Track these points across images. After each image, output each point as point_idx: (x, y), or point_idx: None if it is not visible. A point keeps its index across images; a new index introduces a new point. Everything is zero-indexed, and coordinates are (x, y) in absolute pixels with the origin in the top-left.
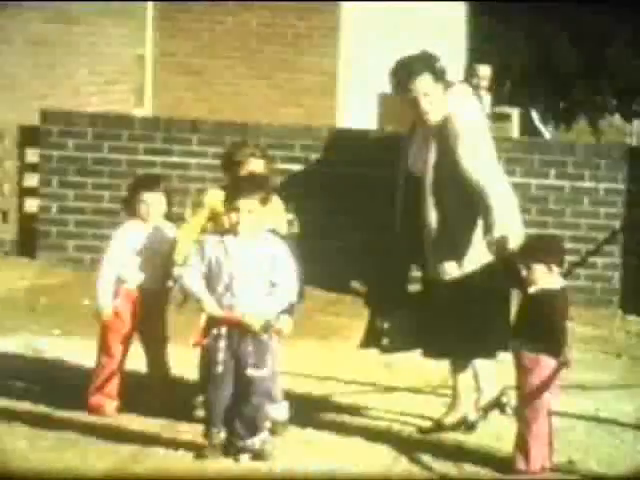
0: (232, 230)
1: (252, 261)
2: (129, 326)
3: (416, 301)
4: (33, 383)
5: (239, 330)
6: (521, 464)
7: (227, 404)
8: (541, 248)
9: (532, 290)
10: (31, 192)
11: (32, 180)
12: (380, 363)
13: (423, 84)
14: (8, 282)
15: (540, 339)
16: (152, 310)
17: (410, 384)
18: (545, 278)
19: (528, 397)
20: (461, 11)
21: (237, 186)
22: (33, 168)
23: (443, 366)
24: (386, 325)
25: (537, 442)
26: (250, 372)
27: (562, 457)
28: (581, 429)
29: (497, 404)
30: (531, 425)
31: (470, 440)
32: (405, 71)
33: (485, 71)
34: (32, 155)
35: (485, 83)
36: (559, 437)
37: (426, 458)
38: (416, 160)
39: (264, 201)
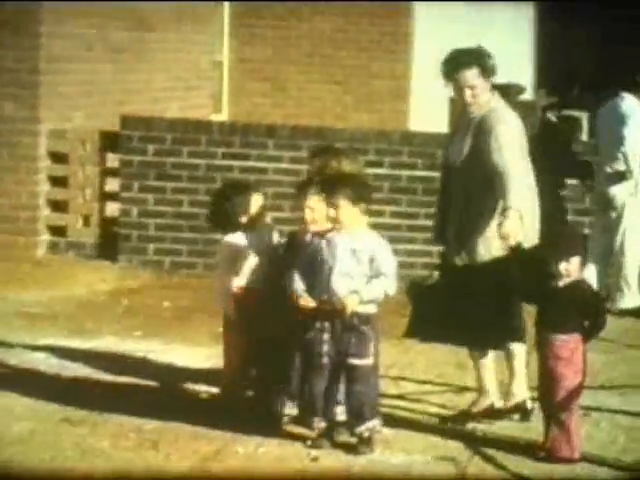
0: (332, 226)
1: (351, 256)
2: (246, 326)
3: (442, 289)
4: (115, 384)
5: (340, 321)
6: (567, 452)
7: (327, 395)
8: (579, 241)
9: (562, 283)
10: (112, 196)
11: (113, 185)
12: (452, 363)
13: (469, 77)
14: (90, 285)
15: (576, 327)
16: (258, 309)
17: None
18: (580, 269)
19: (570, 386)
20: (529, 15)
21: (333, 184)
22: (114, 173)
23: None
24: (417, 314)
25: (578, 430)
26: (352, 361)
27: (634, 457)
28: None
29: (522, 410)
30: (573, 414)
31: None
32: (454, 62)
33: None
34: (112, 160)
35: None
36: (631, 437)
37: (500, 456)
38: (453, 148)
39: (356, 200)
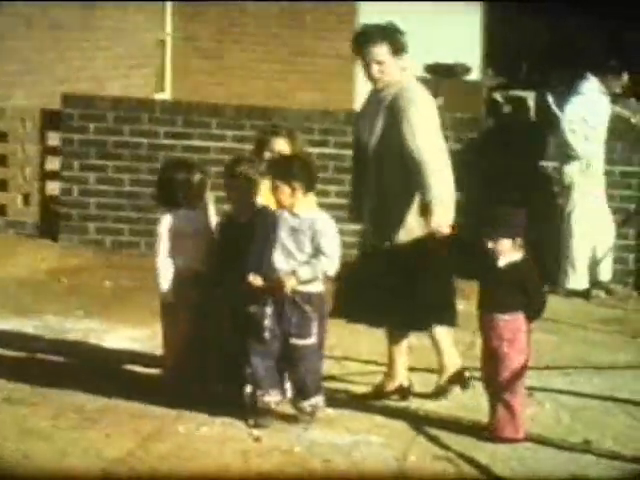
0: (278, 206)
1: (291, 235)
2: (185, 308)
3: (360, 270)
4: (55, 364)
5: (282, 299)
6: (511, 432)
7: (276, 369)
8: (508, 222)
9: (502, 263)
10: (52, 175)
11: (53, 163)
12: None
13: (378, 52)
14: (30, 264)
15: (518, 307)
16: (198, 290)
17: (427, 364)
18: (512, 250)
19: (514, 366)
20: None
21: (269, 166)
22: (54, 151)
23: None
24: (341, 294)
25: (522, 410)
26: (294, 341)
27: (578, 437)
28: (597, 409)
29: (460, 379)
30: (517, 394)
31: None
32: (364, 37)
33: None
34: (53, 139)
35: (619, 89)
36: (575, 417)
37: (444, 435)
38: (365, 128)
39: (289, 180)
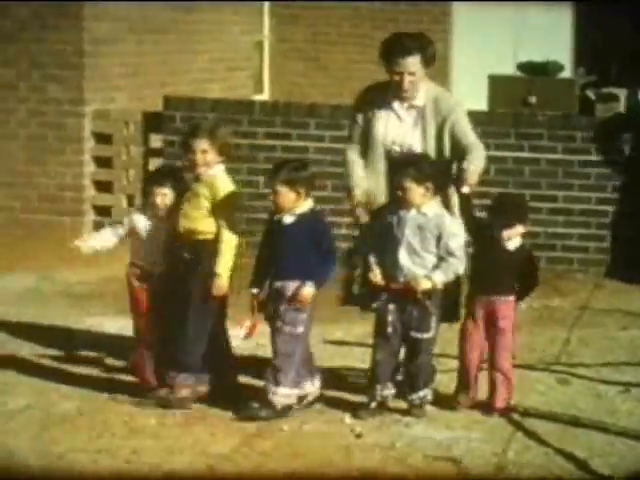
0: (403, 203)
1: (418, 233)
2: (146, 306)
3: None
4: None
5: (405, 296)
6: (500, 403)
7: (394, 363)
8: (520, 208)
9: (511, 246)
10: None
11: (156, 165)
12: None
13: (412, 63)
14: None
15: (515, 288)
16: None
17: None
18: (519, 235)
19: (508, 342)
20: None
21: (398, 166)
22: (157, 153)
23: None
24: (348, 282)
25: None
26: (414, 334)
27: None
28: None
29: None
30: (510, 369)
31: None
32: (399, 46)
33: None
34: (156, 140)
35: None
36: None
37: (542, 431)
38: (397, 135)
39: (421, 180)
